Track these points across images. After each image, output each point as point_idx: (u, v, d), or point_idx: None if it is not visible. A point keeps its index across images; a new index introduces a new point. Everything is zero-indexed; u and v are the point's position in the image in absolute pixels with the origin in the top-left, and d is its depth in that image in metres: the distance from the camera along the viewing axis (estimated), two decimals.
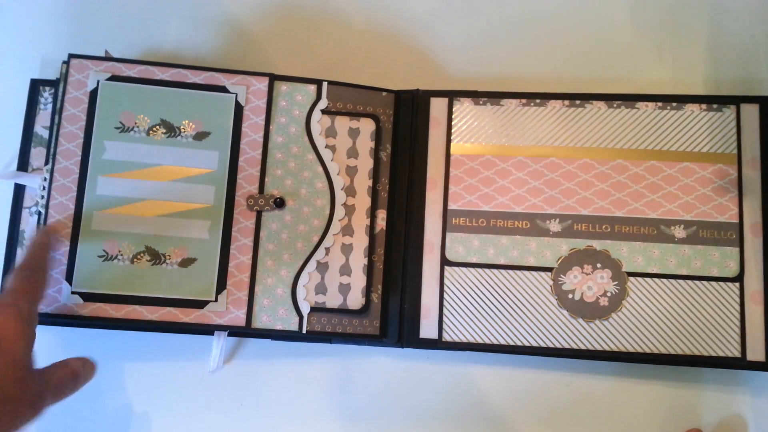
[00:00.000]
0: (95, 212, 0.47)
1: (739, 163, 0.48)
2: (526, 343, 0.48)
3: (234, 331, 0.48)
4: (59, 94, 0.48)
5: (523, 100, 0.50)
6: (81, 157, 0.47)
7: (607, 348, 0.47)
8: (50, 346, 0.49)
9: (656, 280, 0.47)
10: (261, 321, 0.47)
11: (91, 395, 0.49)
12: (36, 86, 0.52)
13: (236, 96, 0.49)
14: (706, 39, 0.53)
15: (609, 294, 0.48)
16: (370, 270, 0.48)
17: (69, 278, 0.46)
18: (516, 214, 0.49)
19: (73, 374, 0.42)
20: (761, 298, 0.47)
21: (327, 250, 0.48)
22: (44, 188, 0.47)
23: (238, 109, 0.49)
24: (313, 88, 0.50)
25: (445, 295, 0.48)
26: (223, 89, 0.49)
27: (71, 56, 0.48)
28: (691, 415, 0.48)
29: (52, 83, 0.51)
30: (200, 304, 0.47)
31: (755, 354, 0.46)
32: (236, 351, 0.50)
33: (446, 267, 0.49)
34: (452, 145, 0.50)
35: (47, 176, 0.47)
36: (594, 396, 0.49)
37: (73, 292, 0.46)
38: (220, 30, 0.55)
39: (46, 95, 0.51)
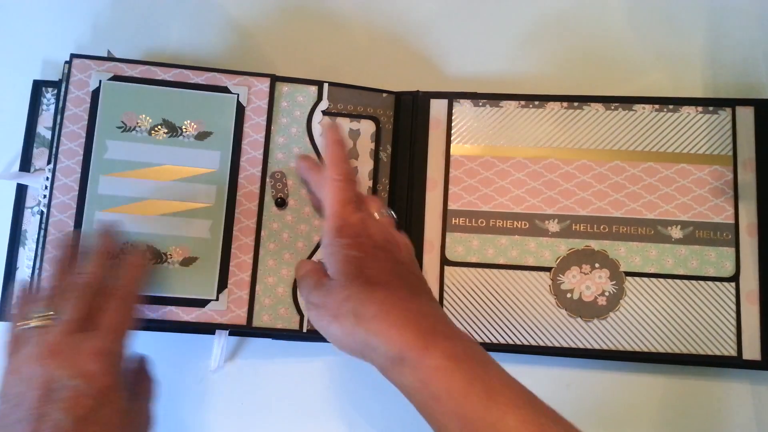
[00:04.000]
0: (97, 211, 0.47)
1: (734, 165, 0.49)
2: (525, 342, 0.48)
3: (235, 330, 0.48)
4: (61, 94, 0.48)
5: (522, 102, 0.51)
6: (83, 157, 0.47)
7: (605, 347, 0.47)
8: None
9: (653, 279, 0.48)
10: (262, 320, 0.47)
11: None
12: (38, 87, 0.52)
13: (238, 96, 0.49)
14: (703, 41, 0.54)
15: (607, 294, 0.48)
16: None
17: None
18: (515, 215, 0.50)
19: (147, 378, 0.43)
20: (757, 298, 0.47)
21: None
22: (46, 187, 0.47)
23: (240, 110, 0.49)
24: (314, 89, 0.50)
25: (445, 295, 0.49)
26: (224, 90, 0.49)
27: (73, 56, 0.48)
28: (690, 413, 0.49)
29: (55, 84, 0.52)
30: (201, 303, 0.47)
31: (751, 353, 0.47)
32: (237, 350, 0.50)
33: (446, 267, 0.49)
34: (452, 146, 0.51)
35: (49, 175, 0.47)
36: (593, 395, 0.49)
37: None
38: (222, 31, 0.55)
39: (49, 96, 0.52)
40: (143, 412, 0.41)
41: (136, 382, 0.42)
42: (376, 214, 0.41)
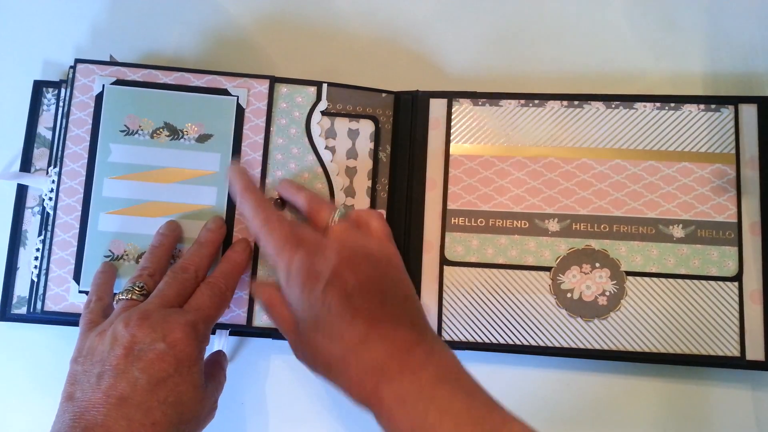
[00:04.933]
0: (101, 214, 0.48)
1: (737, 163, 0.48)
2: (525, 343, 0.48)
3: (235, 330, 0.49)
4: (66, 98, 0.49)
5: (522, 101, 0.50)
6: (87, 160, 0.48)
7: (605, 347, 0.47)
8: (57, 346, 0.50)
9: (655, 279, 0.48)
10: (262, 320, 0.48)
11: None
12: (39, 87, 0.53)
13: (237, 98, 0.50)
14: (704, 39, 0.53)
15: (608, 293, 0.48)
16: None
17: (76, 278, 0.47)
18: (515, 214, 0.49)
19: (222, 369, 0.45)
20: (760, 298, 0.47)
21: None
22: (52, 190, 0.48)
23: (240, 112, 0.49)
24: (313, 89, 0.50)
25: (445, 295, 0.49)
26: (224, 92, 0.50)
27: (77, 61, 0.49)
28: (691, 413, 0.48)
29: (55, 84, 0.53)
30: None
31: (754, 353, 0.46)
32: (237, 350, 0.51)
33: (445, 266, 0.49)
34: (451, 145, 0.51)
35: (55, 179, 0.48)
36: (593, 395, 0.49)
37: (80, 291, 0.47)
38: (222, 34, 0.56)
39: (49, 96, 0.53)
40: (211, 398, 0.42)
41: (212, 370, 0.44)
42: (331, 223, 0.42)
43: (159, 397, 0.37)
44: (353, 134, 0.50)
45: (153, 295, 0.42)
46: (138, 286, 0.42)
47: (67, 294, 0.47)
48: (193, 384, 0.38)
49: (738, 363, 0.46)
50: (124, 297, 0.42)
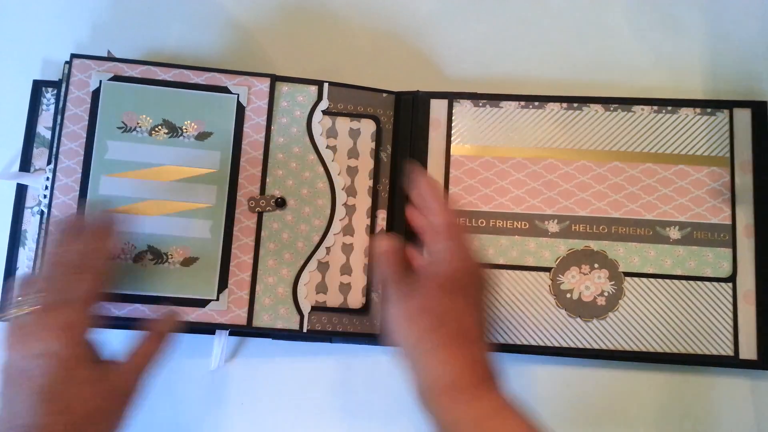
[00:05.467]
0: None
1: (731, 166, 0.49)
2: (525, 342, 0.48)
3: (235, 330, 0.48)
4: (61, 94, 0.48)
5: (522, 103, 0.51)
6: (83, 157, 0.47)
7: (604, 347, 0.48)
8: None
9: (652, 280, 0.48)
10: (262, 320, 0.47)
11: None
12: (38, 87, 0.52)
13: (238, 97, 0.49)
14: (703, 43, 0.54)
15: (606, 294, 0.48)
16: (370, 269, 0.49)
17: None
18: (515, 215, 0.50)
19: (145, 354, 0.42)
20: (753, 298, 0.48)
21: (328, 249, 0.49)
22: (47, 188, 0.47)
23: (240, 110, 0.49)
24: (314, 89, 0.50)
25: None
26: (225, 90, 0.49)
27: (74, 56, 0.48)
28: (688, 412, 0.49)
29: (55, 84, 0.52)
30: (202, 303, 0.47)
31: (748, 353, 0.47)
32: (237, 350, 0.50)
33: None
34: (452, 146, 0.51)
35: (50, 175, 0.47)
36: (592, 394, 0.50)
37: None
38: (222, 31, 0.55)
39: (49, 96, 0.52)
40: (125, 383, 0.40)
41: (132, 353, 0.41)
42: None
43: (52, 410, 0.36)
44: (354, 134, 0.50)
45: (35, 304, 0.39)
46: (17, 303, 0.39)
47: None
48: (86, 380, 0.37)
49: (732, 362, 0.47)
50: (10, 316, 0.39)
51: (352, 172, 0.50)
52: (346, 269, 0.49)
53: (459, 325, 0.39)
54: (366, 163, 0.50)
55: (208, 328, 0.48)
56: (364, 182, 0.50)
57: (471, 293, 0.40)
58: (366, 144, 0.50)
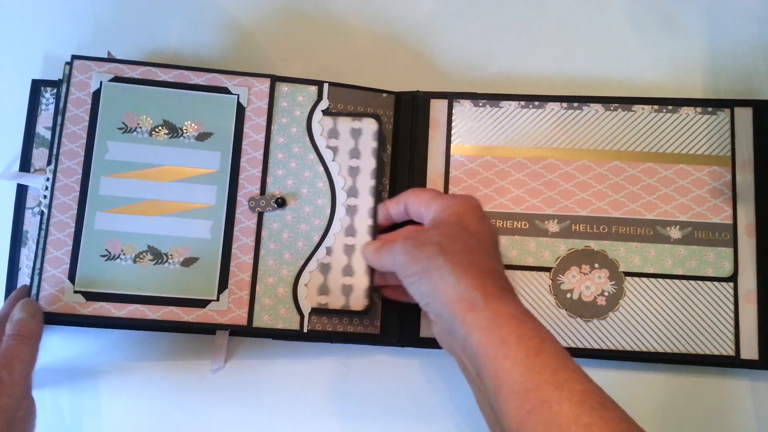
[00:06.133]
0: (98, 212, 0.47)
1: (733, 166, 0.49)
2: None
3: (235, 331, 0.48)
4: (62, 95, 0.48)
5: (522, 102, 0.51)
6: (84, 158, 0.47)
7: (604, 347, 0.48)
8: (52, 346, 0.49)
9: (652, 280, 0.48)
10: (262, 320, 0.47)
11: (93, 394, 0.49)
12: (37, 87, 0.52)
13: (238, 97, 0.49)
14: (703, 42, 0.54)
15: (606, 294, 0.48)
16: (372, 271, 0.48)
17: (71, 277, 0.46)
18: (515, 215, 0.50)
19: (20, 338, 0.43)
20: (755, 298, 0.48)
21: (328, 249, 0.49)
22: (47, 188, 0.47)
23: (240, 110, 0.49)
24: (314, 89, 0.50)
25: None
26: (225, 90, 0.49)
27: (74, 57, 0.48)
28: (688, 412, 0.49)
29: (54, 84, 0.52)
30: (202, 304, 0.47)
31: (749, 352, 0.47)
32: (237, 350, 0.51)
33: None
34: (452, 146, 0.51)
35: (50, 176, 0.47)
36: None
37: (75, 291, 0.46)
38: (222, 32, 0.55)
39: (48, 96, 0.52)
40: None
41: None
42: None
43: None
44: (356, 133, 0.50)
45: None
46: None
47: (61, 294, 0.46)
48: None
49: (733, 362, 0.47)
50: None
51: (352, 171, 0.49)
52: (348, 271, 0.48)
53: (453, 248, 0.40)
54: (367, 163, 0.50)
55: (208, 329, 0.48)
56: (366, 182, 0.49)
57: (461, 227, 0.43)
58: (368, 143, 0.50)
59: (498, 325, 0.36)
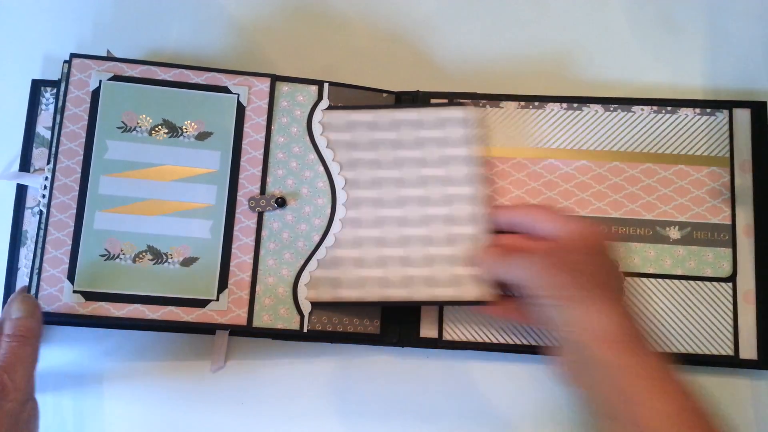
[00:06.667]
0: (97, 212, 0.47)
1: (731, 166, 0.49)
2: (525, 342, 0.48)
3: (235, 330, 0.48)
4: (61, 93, 0.48)
5: (522, 103, 0.51)
6: (83, 157, 0.47)
7: None
8: (51, 346, 0.49)
9: (652, 280, 0.48)
10: (262, 320, 0.47)
11: (93, 394, 0.49)
12: (37, 87, 0.52)
13: (238, 96, 0.49)
14: (703, 43, 0.54)
15: None
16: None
17: (71, 277, 0.46)
18: None
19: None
20: (753, 298, 0.48)
21: (328, 249, 0.48)
22: (45, 187, 0.47)
23: (240, 110, 0.49)
24: (314, 88, 0.50)
25: None
26: (225, 90, 0.49)
27: (73, 55, 0.48)
28: None
29: (54, 84, 0.51)
30: (202, 303, 0.47)
31: (748, 352, 0.47)
32: (237, 350, 0.50)
33: None
34: None
35: (48, 175, 0.47)
36: None
37: (74, 291, 0.46)
38: (222, 31, 0.55)
39: (48, 96, 0.51)
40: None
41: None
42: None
43: None
44: (441, 123, 0.49)
45: None
46: None
47: (60, 294, 0.46)
48: None
49: (732, 362, 0.47)
50: None
51: (446, 160, 0.48)
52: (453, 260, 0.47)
53: (602, 281, 0.39)
54: (463, 151, 0.48)
55: (208, 328, 0.48)
56: (461, 170, 0.48)
57: (605, 259, 0.42)
58: (459, 132, 0.48)
59: (655, 374, 0.36)
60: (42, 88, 0.52)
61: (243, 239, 0.48)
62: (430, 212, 0.47)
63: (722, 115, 0.50)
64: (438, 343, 0.49)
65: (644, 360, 0.36)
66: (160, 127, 0.48)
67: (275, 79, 0.50)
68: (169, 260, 0.47)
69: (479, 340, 0.48)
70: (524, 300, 0.42)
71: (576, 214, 0.47)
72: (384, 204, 0.48)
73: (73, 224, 0.47)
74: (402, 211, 0.48)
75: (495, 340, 0.48)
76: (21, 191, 0.50)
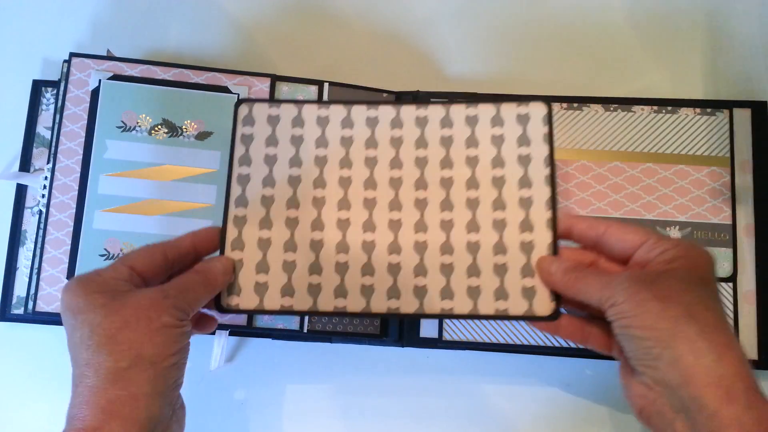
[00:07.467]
0: (97, 211, 0.47)
1: (731, 166, 0.49)
2: (525, 342, 0.48)
3: (235, 330, 0.48)
4: (60, 93, 0.48)
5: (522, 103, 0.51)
6: (82, 156, 0.47)
7: None
8: (51, 346, 0.49)
9: None
10: (262, 320, 0.47)
11: None
12: (38, 87, 0.52)
13: (238, 96, 0.49)
14: (703, 43, 0.54)
15: None
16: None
17: (70, 277, 0.46)
18: None
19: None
20: (754, 298, 0.48)
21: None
22: (45, 187, 0.47)
23: None
24: (314, 88, 0.50)
25: None
26: (225, 89, 0.49)
27: (72, 55, 0.48)
28: None
29: (54, 84, 0.51)
30: None
31: (748, 352, 0.47)
32: (237, 350, 0.50)
33: None
34: None
35: (48, 175, 0.47)
36: (593, 394, 0.49)
37: None
38: (222, 31, 0.55)
39: (48, 96, 0.51)
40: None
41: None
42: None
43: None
44: (523, 120, 0.48)
45: None
46: None
47: (59, 294, 0.46)
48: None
49: None
50: None
51: (524, 161, 0.47)
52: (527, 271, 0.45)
53: (711, 315, 0.34)
54: (541, 150, 0.47)
55: None
56: (539, 171, 0.46)
57: (710, 288, 0.36)
58: (538, 129, 0.46)
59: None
60: (42, 89, 0.52)
61: None
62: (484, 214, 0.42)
63: (722, 115, 0.50)
64: (438, 343, 0.49)
65: (761, 415, 0.32)
66: (159, 126, 0.48)
67: (275, 79, 0.50)
68: None
69: (479, 340, 0.48)
70: (594, 322, 0.39)
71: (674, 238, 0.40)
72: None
73: (73, 224, 0.47)
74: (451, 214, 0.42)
75: (495, 340, 0.48)
76: (21, 191, 0.50)
